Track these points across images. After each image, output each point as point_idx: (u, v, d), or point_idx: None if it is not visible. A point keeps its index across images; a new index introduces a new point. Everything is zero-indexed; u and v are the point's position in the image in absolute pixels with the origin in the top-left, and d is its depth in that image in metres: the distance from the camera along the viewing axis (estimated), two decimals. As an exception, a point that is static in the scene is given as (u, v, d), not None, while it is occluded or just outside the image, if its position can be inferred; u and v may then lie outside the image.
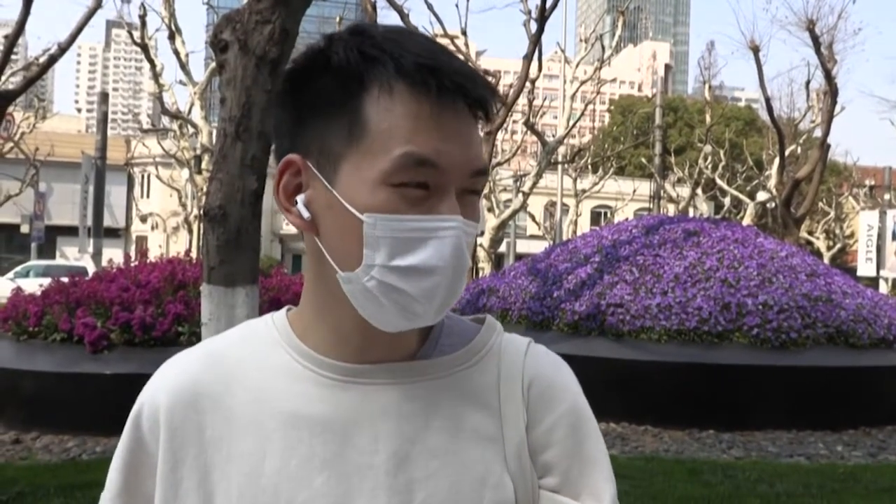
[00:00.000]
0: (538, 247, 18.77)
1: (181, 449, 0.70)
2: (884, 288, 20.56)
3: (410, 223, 0.64)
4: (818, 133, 17.34)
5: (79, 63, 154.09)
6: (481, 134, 0.75)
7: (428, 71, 0.64)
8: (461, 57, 0.70)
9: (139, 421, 0.72)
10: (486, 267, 16.57)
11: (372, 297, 0.66)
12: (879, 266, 21.63)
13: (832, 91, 13.68)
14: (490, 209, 19.18)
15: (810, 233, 35.93)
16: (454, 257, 0.65)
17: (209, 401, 0.71)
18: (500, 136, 16.42)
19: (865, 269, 21.96)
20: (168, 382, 0.72)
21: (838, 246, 37.27)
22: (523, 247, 30.40)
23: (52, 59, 7.98)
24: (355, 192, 0.65)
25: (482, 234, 16.49)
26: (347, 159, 0.66)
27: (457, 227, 0.65)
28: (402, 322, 0.67)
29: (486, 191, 15.72)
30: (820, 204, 33.05)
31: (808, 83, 18.54)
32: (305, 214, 0.68)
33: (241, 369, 0.72)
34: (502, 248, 24.16)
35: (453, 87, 0.64)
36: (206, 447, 0.70)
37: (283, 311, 0.77)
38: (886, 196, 26.27)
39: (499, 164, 21.66)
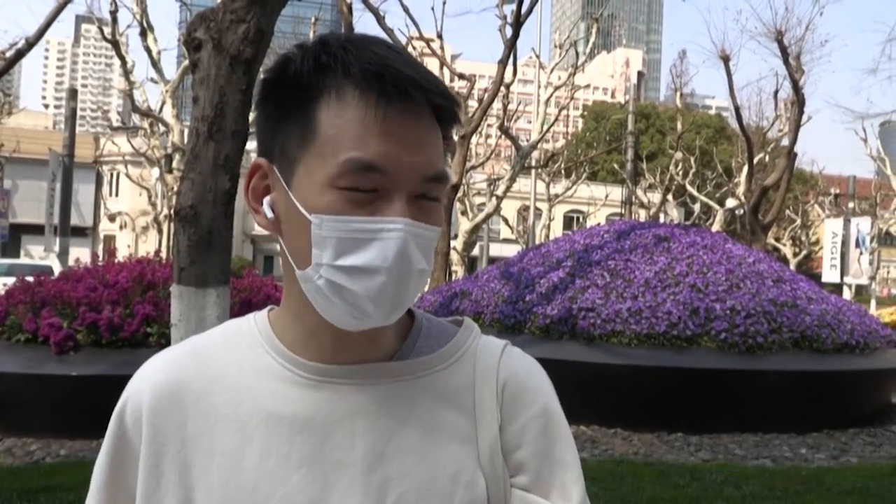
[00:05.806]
0: (511, 250, 18.82)
1: (163, 444, 0.71)
2: (847, 294, 21.04)
3: (354, 224, 0.66)
4: (786, 142, 17.68)
5: (47, 58, 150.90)
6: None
7: (374, 77, 0.66)
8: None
9: (123, 416, 0.74)
10: (459, 270, 16.59)
11: (324, 296, 0.68)
12: (843, 273, 22.08)
13: (799, 101, 13.96)
14: (464, 212, 19.17)
15: (777, 239, 36.64)
16: (397, 258, 0.66)
17: (191, 397, 0.72)
18: (474, 139, 16.45)
19: (830, 275, 22.40)
20: (151, 379, 0.74)
21: (804, 252, 38.07)
22: (496, 250, 30.51)
23: (20, 54, 7.81)
24: (307, 193, 0.68)
25: (455, 237, 16.49)
26: (301, 162, 0.69)
27: (402, 230, 0.66)
28: (352, 321, 0.68)
29: (459, 194, 15.71)
30: (787, 211, 33.71)
31: (776, 93, 18.95)
32: (270, 215, 0.71)
33: (224, 368, 0.74)
34: (475, 252, 24.22)
35: (398, 93, 0.66)
36: (188, 443, 0.71)
37: (266, 310, 0.79)
38: (851, 204, 26.87)
39: (473, 167, 21.69)
